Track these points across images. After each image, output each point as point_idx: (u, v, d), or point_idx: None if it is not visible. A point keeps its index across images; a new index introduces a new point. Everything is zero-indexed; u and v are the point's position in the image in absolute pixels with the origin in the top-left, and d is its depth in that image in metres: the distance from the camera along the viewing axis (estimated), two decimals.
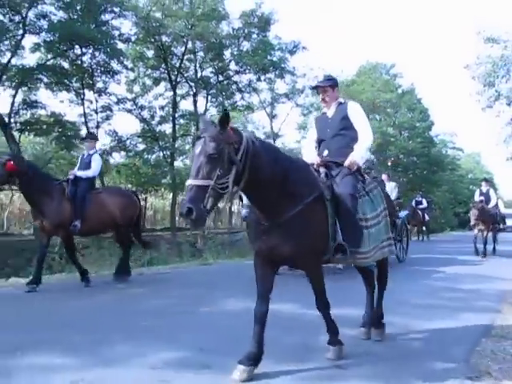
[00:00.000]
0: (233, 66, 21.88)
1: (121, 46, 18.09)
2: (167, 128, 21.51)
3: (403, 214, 12.33)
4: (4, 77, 15.98)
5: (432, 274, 9.12)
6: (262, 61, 20.44)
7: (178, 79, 21.23)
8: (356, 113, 4.17)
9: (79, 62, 17.61)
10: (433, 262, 11.01)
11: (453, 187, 38.18)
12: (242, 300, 5.33)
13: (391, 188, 11.26)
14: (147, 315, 5.19)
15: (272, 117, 24.69)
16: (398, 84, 30.40)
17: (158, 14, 18.85)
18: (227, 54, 21.48)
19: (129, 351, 3.87)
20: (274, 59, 21.64)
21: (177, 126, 21.41)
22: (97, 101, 18.86)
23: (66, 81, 17.57)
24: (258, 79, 22.57)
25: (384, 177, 11.97)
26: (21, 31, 16.07)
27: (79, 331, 4.45)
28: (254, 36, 21.51)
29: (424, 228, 21.46)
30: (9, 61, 16.05)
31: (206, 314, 5.34)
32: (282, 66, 22.00)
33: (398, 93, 29.65)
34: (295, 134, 30.35)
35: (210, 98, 22.37)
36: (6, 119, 16.06)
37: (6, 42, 16.11)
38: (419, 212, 20.02)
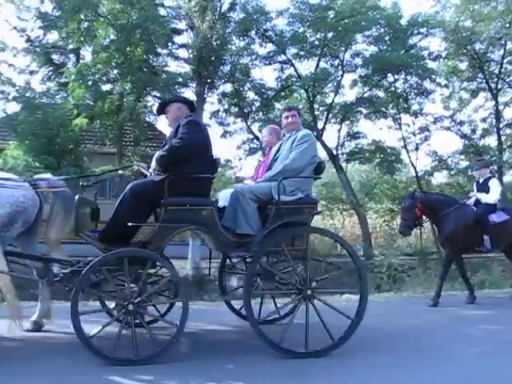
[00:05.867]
0: None
1: (431, 64, 18.14)
2: (492, 141, 20.10)
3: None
4: (330, 115, 18.18)
5: None
6: None
7: (499, 86, 19.70)
8: None
9: (393, 89, 18.42)
10: None
11: None
12: None
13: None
14: (469, 340, 4.92)
15: None
16: None
17: (468, 23, 18.16)
18: None
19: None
20: None
21: (503, 137, 19.76)
22: (413, 123, 19.23)
23: (382, 109, 18.63)
24: None
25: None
26: (340, 72, 18.05)
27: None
28: None
29: None
30: (332, 100, 18.27)
31: None
32: None
33: None
34: None
35: None
36: (334, 151, 18.08)
37: (329, 85, 18.37)
38: None
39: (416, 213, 7.31)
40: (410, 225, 7.51)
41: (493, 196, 7.32)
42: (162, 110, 4.72)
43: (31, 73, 19.43)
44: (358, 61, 17.91)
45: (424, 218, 7.60)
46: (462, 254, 7.51)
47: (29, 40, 19.11)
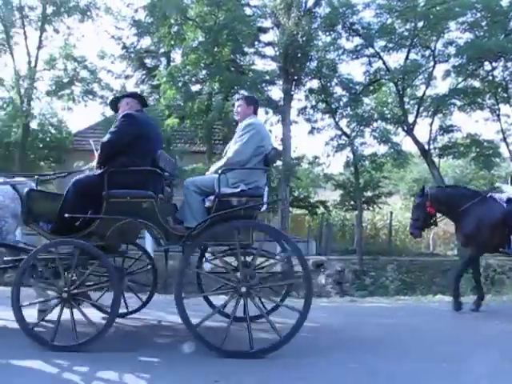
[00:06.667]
0: None
1: None
2: None
3: None
4: (421, 108, 17.44)
5: None
6: None
7: None
8: None
9: (490, 78, 17.33)
10: None
11: None
12: None
13: None
14: None
15: None
16: None
17: None
18: None
19: None
20: None
21: None
22: None
23: (478, 100, 17.55)
24: None
25: None
26: (431, 63, 17.26)
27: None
28: None
29: None
30: (424, 93, 17.49)
31: None
32: None
33: None
34: None
35: None
36: (426, 146, 17.35)
37: (420, 77, 17.62)
38: None
39: (427, 211, 6.44)
40: (420, 225, 6.62)
41: None
42: (115, 108, 4.66)
43: (126, 77, 20.58)
44: (451, 50, 16.94)
45: (439, 215, 6.70)
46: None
47: (124, 47, 20.24)
